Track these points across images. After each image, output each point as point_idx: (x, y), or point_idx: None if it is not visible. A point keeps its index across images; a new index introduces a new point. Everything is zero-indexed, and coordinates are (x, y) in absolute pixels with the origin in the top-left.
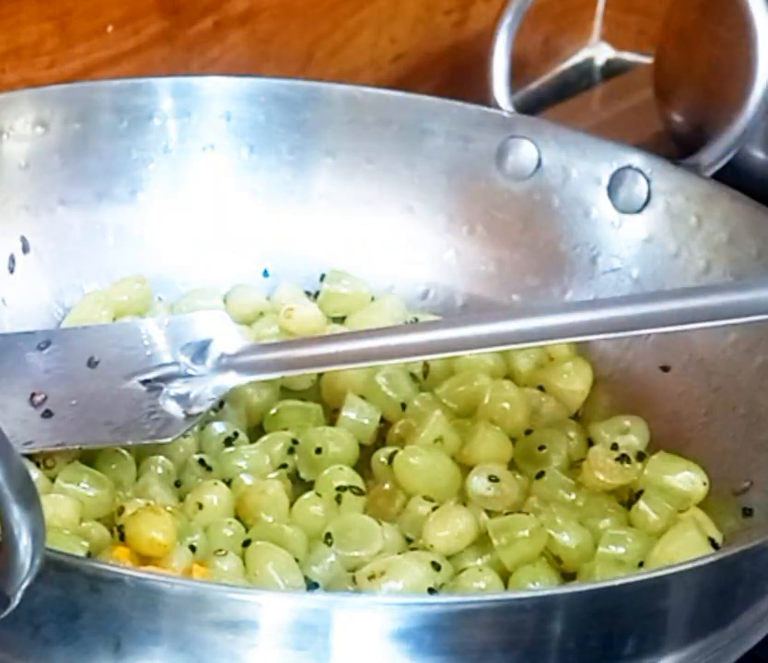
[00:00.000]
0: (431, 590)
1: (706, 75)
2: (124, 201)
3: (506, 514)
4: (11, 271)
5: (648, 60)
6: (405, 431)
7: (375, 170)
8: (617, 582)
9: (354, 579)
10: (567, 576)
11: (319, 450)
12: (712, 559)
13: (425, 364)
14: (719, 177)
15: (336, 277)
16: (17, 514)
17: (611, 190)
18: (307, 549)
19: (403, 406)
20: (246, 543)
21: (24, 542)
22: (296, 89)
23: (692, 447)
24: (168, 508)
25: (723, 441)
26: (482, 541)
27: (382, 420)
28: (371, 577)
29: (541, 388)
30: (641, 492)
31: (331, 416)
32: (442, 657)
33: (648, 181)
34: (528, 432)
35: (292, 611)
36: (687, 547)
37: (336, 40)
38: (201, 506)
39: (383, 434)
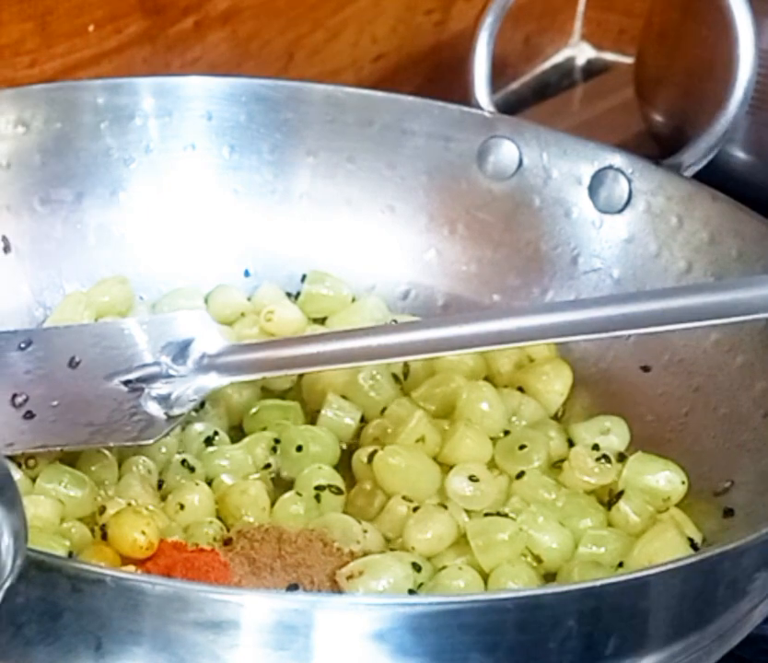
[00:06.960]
0: (411, 591)
1: (687, 74)
2: (106, 200)
3: (486, 514)
4: None
5: (629, 60)
6: (379, 431)
7: (356, 170)
8: (598, 583)
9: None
10: (547, 576)
11: (299, 448)
12: (691, 560)
13: (406, 364)
14: (700, 177)
15: (317, 278)
16: None
17: (592, 190)
18: None
19: (384, 408)
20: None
21: (6, 543)
22: (278, 89)
23: (672, 448)
24: (150, 508)
25: (703, 441)
26: (461, 541)
27: (362, 419)
28: (350, 577)
29: (520, 389)
30: (621, 492)
31: (313, 416)
32: (423, 658)
33: (629, 181)
34: (506, 433)
35: (273, 612)
36: (667, 548)
37: (317, 40)
38: (182, 507)
39: None
